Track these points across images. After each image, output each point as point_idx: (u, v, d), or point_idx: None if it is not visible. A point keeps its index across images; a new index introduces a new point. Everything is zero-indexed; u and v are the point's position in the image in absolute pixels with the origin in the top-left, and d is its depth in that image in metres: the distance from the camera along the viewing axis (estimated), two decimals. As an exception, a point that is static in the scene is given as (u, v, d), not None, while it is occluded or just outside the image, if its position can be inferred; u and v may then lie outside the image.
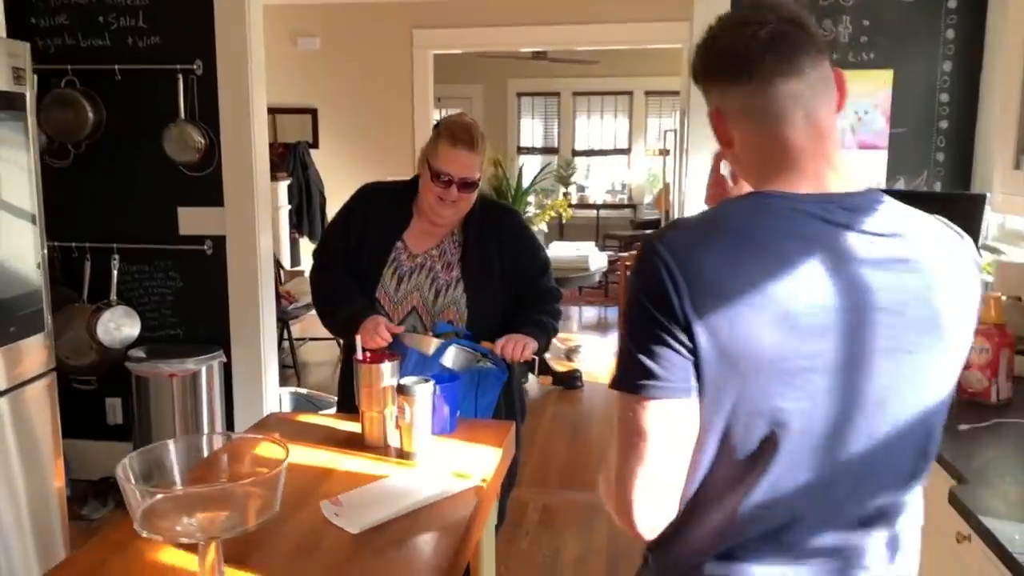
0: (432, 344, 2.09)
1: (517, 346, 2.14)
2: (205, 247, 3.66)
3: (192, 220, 3.66)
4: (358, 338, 1.98)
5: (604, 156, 10.85)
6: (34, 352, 2.51)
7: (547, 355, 5.59)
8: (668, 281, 0.94)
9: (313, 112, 7.25)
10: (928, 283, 1.00)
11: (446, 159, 2.14)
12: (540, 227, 5.34)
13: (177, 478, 1.23)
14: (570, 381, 5.35)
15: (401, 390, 1.79)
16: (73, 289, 3.72)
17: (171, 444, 1.23)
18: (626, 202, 10.74)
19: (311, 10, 6.96)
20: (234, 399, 3.73)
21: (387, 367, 1.85)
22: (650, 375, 0.95)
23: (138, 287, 3.74)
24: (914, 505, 1.11)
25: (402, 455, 1.81)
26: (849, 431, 0.99)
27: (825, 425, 0.98)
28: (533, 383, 5.41)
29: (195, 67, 3.52)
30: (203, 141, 3.57)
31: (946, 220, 1.08)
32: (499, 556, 2.13)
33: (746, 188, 1.15)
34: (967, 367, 2.10)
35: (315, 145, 7.12)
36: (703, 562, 1.03)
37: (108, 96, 3.59)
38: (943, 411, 1.07)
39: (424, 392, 1.79)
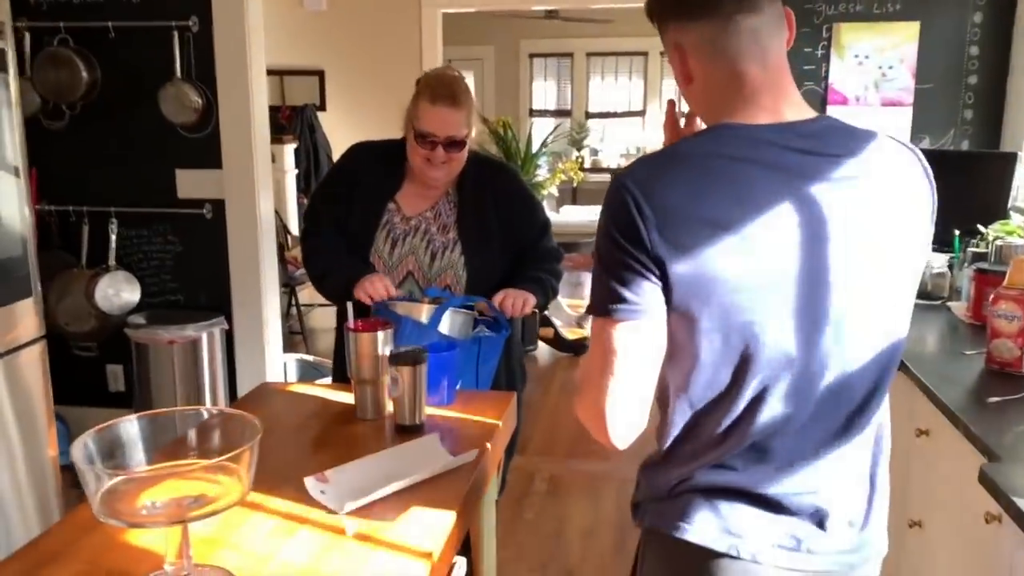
0: (426, 310, 2.00)
1: (517, 300, 2.06)
2: (204, 211, 3.56)
3: (190, 183, 3.56)
4: (349, 305, 1.88)
5: (619, 118, 10.64)
6: (24, 318, 2.44)
7: (558, 323, 5.50)
8: (635, 212, 1.02)
9: (320, 74, 7.09)
10: (877, 195, 1.09)
11: (428, 118, 2.02)
12: (551, 191, 5.21)
13: (143, 457, 1.14)
14: (580, 348, 5.26)
15: (394, 360, 1.69)
16: (71, 254, 3.64)
17: (135, 420, 1.14)
18: (641, 166, 10.55)
19: (317, -31, 6.78)
20: (236, 366, 3.65)
21: (379, 336, 1.75)
22: (621, 299, 1.03)
23: (137, 252, 3.66)
24: (885, 434, 1.19)
25: (396, 428, 1.72)
26: (817, 343, 1.06)
27: (795, 338, 1.05)
28: (543, 350, 5.32)
29: (191, 23, 3.40)
30: (200, 101, 3.45)
31: (896, 137, 1.16)
32: (504, 527, 2.06)
33: (701, 127, 1.22)
34: (995, 335, 1.99)
35: (322, 107, 6.98)
36: (692, 474, 1.11)
37: (102, 55, 3.48)
38: (905, 320, 1.16)
39: (418, 362, 1.69)
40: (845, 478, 1.13)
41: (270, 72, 7.00)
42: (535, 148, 6.34)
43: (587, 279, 7.75)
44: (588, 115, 10.64)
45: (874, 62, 3.13)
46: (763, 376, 1.05)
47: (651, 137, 10.45)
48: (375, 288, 1.99)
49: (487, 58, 10.42)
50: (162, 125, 3.47)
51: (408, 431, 1.69)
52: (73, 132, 3.58)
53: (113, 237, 3.59)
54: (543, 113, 10.73)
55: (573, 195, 10.08)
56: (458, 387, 2.04)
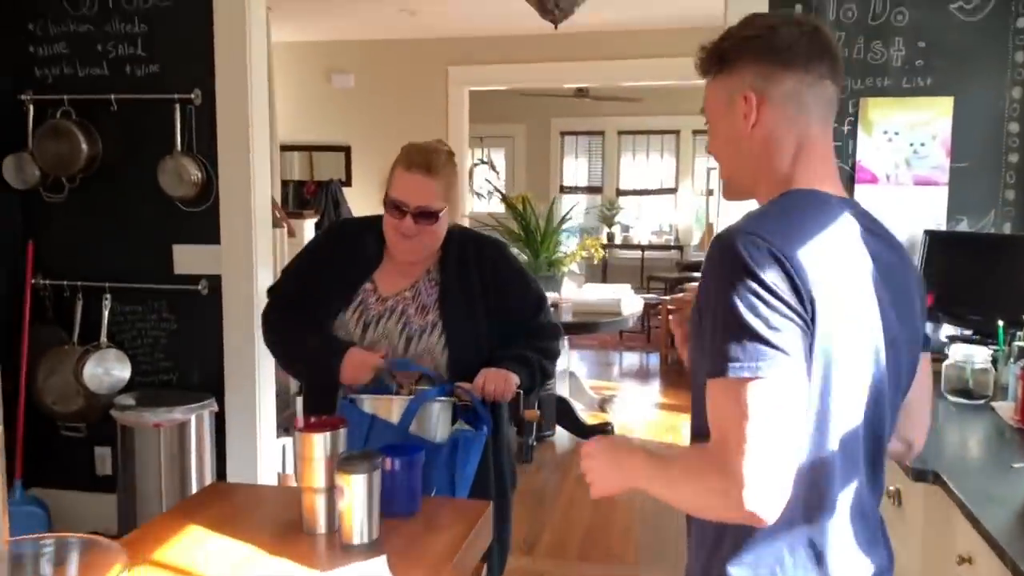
0: (397, 405, 1.79)
1: (497, 383, 1.85)
2: (200, 287, 3.43)
3: (187, 258, 3.44)
4: (298, 400, 1.69)
5: (650, 196, 10.52)
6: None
7: (579, 406, 5.24)
8: (779, 258, 1.02)
9: (347, 150, 7.10)
10: (909, 270, 1.23)
11: (399, 185, 1.89)
12: (571, 268, 5.03)
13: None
14: (601, 435, 4.98)
15: (341, 466, 1.48)
16: (64, 329, 3.52)
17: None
18: (672, 243, 10.37)
19: (346, 47, 6.85)
20: (227, 451, 3.45)
21: (325, 437, 1.54)
22: (767, 353, 1.00)
23: (131, 329, 3.52)
24: None
25: (342, 547, 1.50)
26: (883, 408, 1.15)
27: (871, 388, 1.12)
28: (562, 436, 5.06)
29: (193, 96, 3.32)
30: (200, 175, 3.35)
31: None
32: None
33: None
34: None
35: (348, 183, 6.96)
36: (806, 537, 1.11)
37: (103, 127, 3.41)
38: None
39: (367, 470, 1.47)
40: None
41: (298, 148, 7.08)
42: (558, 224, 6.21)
43: (614, 359, 7.50)
44: (619, 192, 10.53)
45: (905, 139, 2.93)
46: (847, 418, 1.10)
47: (683, 215, 10.29)
48: (358, 372, 1.82)
49: (518, 135, 10.42)
50: (161, 199, 3.37)
51: (352, 550, 1.47)
52: (71, 205, 3.49)
53: (105, 313, 3.46)
54: (574, 190, 10.65)
55: (604, 272, 9.90)
56: (432, 493, 1.82)
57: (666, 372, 7.02)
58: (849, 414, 1.10)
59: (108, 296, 3.47)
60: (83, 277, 3.49)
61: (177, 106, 3.33)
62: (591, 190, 10.73)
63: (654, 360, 7.42)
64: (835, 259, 1.08)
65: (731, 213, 3.25)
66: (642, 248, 10.18)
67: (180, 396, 3.40)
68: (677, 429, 5.26)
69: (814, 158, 1.17)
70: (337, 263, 2.01)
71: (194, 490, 3.33)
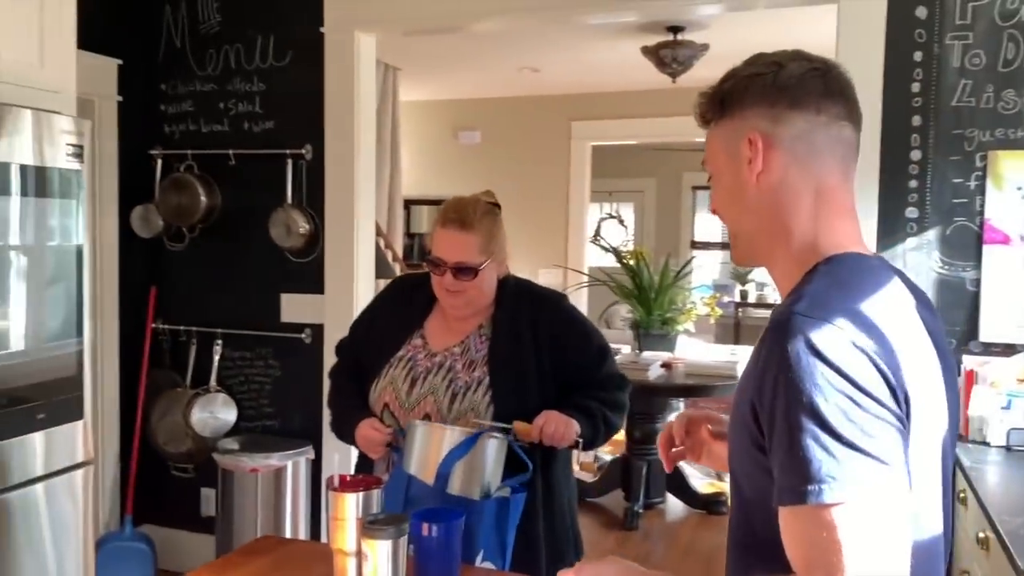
0: (449, 436, 1.72)
1: (558, 424, 1.77)
2: (304, 335, 3.51)
3: (294, 307, 3.54)
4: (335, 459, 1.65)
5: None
6: (70, 442, 2.38)
7: (692, 474, 4.99)
8: (862, 349, 0.88)
9: (472, 204, 7.22)
10: (945, 337, 1.08)
11: (436, 241, 1.88)
12: (686, 327, 4.84)
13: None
14: (714, 505, 4.72)
15: (366, 529, 1.43)
16: (179, 373, 3.68)
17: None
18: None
19: (472, 104, 7.01)
20: (320, 499, 3.48)
21: (357, 497, 1.49)
22: (873, 462, 0.85)
23: (239, 374, 3.64)
24: None
25: (366, 613, 1.43)
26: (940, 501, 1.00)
27: (943, 490, 0.99)
28: (673, 504, 4.82)
29: (304, 152, 3.45)
30: (308, 227, 3.46)
31: None
32: None
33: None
34: None
35: (471, 236, 7.05)
36: None
37: (222, 180, 3.59)
38: None
39: (393, 536, 1.41)
40: None
41: (425, 202, 7.26)
42: (691, 283, 6.02)
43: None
44: (755, 249, 10.18)
45: (1044, 196, 2.64)
46: (939, 542, 0.99)
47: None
48: (367, 447, 1.82)
49: (648, 190, 10.30)
50: (271, 249, 3.49)
51: (375, 621, 1.40)
52: (190, 254, 3.68)
53: (216, 358, 3.60)
54: (707, 246, 10.38)
55: (735, 332, 9.54)
56: (479, 558, 1.74)
57: (795, 440, 6.61)
58: (933, 526, 0.96)
59: (219, 342, 3.61)
60: (198, 323, 3.65)
61: (289, 161, 3.46)
62: (724, 246, 10.43)
63: (783, 426, 7.01)
64: (911, 341, 0.94)
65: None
66: (772, 306, 9.76)
67: (279, 442, 3.47)
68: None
69: (836, 212, 1.03)
70: (390, 318, 2.00)
71: (288, 534, 3.37)
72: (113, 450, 3.68)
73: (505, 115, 6.91)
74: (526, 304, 1.95)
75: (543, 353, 1.89)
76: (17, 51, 2.37)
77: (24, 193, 2.24)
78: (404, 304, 2.01)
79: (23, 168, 2.22)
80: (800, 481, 0.85)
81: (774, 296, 9.90)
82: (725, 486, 5.14)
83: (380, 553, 1.41)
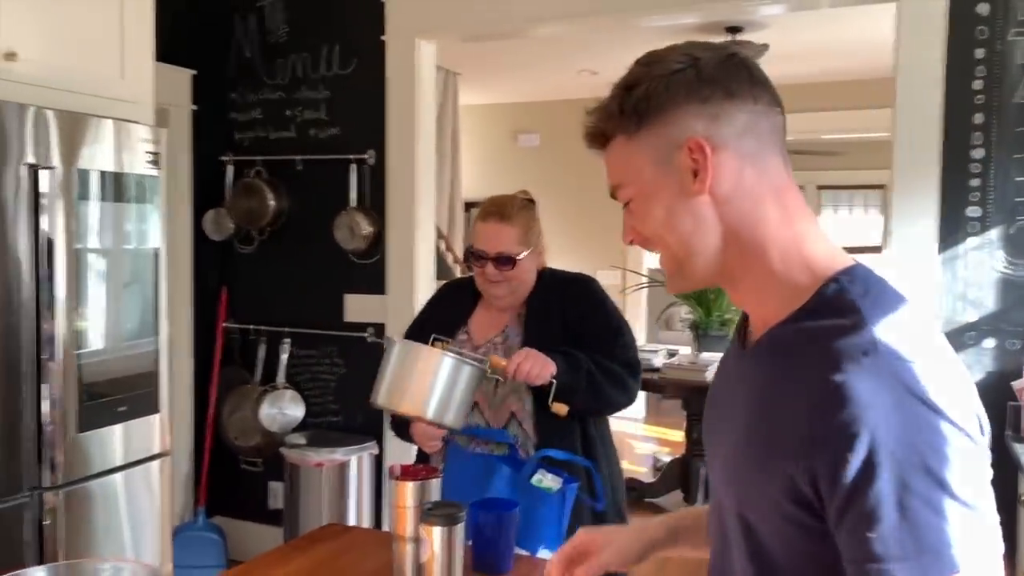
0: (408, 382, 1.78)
1: (535, 362, 1.80)
2: (367, 334, 3.62)
3: (357, 307, 3.65)
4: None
5: (853, 254, 9.90)
6: (148, 434, 2.51)
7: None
8: (967, 389, 0.78)
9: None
10: None
11: (477, 235, 1.99)
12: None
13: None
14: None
15: (424, 516, 1.50)
16: (248, 371, 3.82)
17: (43, 572, 1.03)
18: (877, 305, 9.69)
19: (531, 108, 7.07)
20: (383, 492, 3.58)
21: (416, 486, 1.56)
22: (988, 521, 0.74)
23: (306, 372, 3.77)
24: None
25: (423, 598, 1.50)
26: None
27: None
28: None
29: (367, 157, 3.56)
30: (371, 230, 3.56)
31: None
32: None
33: None
34: None
35: (531, 238, 7.11)
36: None
37: (289, 185, 3.72)
38: None
39: (448, 523, 1.48)
40: None
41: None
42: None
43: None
44: (819, 250, 10.02)
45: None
46: None
47: (889, 275, 9.59)
48: (424, 443, 1.90)
49: (710, 191, 10.23)
50: (335, 251, 3.61)
51: (432, 603, 1.47)
52: (259, 256, 3.82)
53: (284, 357, 3.73)
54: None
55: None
56: (539, 549, 1.80)
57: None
58: None
59: (287, 340, 3.74)
60: (266, 322, 3.79)
61: (353, 166, 3.57)
62: (788, 247, 10.31)
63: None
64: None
65: (928, 269, 2.95)
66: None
67: (344, 438, 3.58)
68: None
69: (803, 214, 0.90)
70: (438, 319, 2.09)
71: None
72: (186, 444, 3.84)
73: (564, 118, 6.91)
74: (557, 288, 2.04)
75: (568, 330, 1.97)
76: (101, 64, 2.51)
77: (105, 199, 2.37)
78: (450, 304, 2.13)
79: (104, 175, 2.36)
80: (918, 552, 0.72)
81: (840, 298, 9.73)
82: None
83: (437, 539, 1.48)
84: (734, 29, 4.49)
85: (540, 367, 1.81)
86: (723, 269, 0.90)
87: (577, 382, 1.88)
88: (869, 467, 0.73)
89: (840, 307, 0.82)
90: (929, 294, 2.79)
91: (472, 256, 1.99)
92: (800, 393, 0.79)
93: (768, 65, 4.44)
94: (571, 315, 2.00)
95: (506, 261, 1.95)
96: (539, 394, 1.89)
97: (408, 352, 1.82)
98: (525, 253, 1.97)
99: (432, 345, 1.86)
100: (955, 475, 0.72)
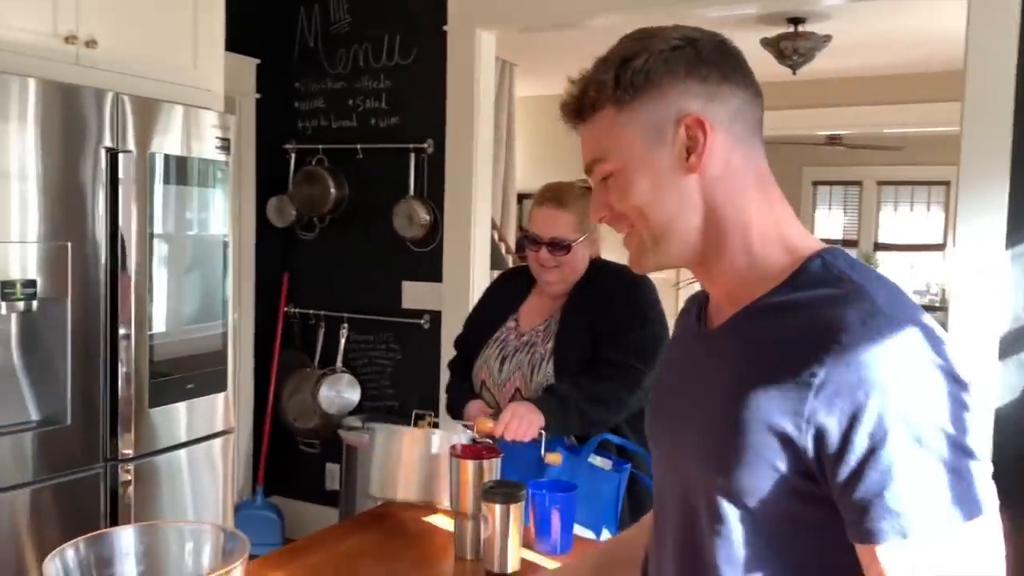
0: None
1: (520, 424, 1.76)
2: (423, 321, 3.67)
3: (414, 294, 3.70)
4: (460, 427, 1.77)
5: (913, 252, 9.70)
6: (215, 411, 2.59)
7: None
8: (958, 348, 0.80)
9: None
10: None
11: (533, 220, 2.02)
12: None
13: (133, 572, 1.08)
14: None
15: (484, 494, 1.53)
16: (307, 354, 3.91)
17: (131, 531, 1.09)
18: (938, 304, 9.46)
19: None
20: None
21: (477, 465, 1.60)
22: (988, 471, 0.78)
23: (363, 356, 3.84)
24: None
25: (485, 573, 1.54)
26: None
27: None
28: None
29: (426, 146, 3.60)
30: (428, 218, 3.61)
31: None
32: None
33: None
34: None
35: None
36: None
37: (349, 173, 3.79)
38: None
39: (506, 500, 1.51)
40: None
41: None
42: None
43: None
44: (877, 247, 9.82)
45: None
46: None
47: (951, 274, 9.38)
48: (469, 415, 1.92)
49: (766, 185, 10.10)
50: (394, 239, 3.66)
51: (492, 579, 1.51)
52: (320, 242, 3.90)
53: (342, 341, 3.81)
54: (828, 243, 10.10)
55: (855, 332, 9.25)
56: (601, 531, 1.83)
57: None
58: None
59: (345, 325, 3.81)
60: (326, 307, 3.87)
61: (412, 154, 3.62)
62: (847, 243, 10.11)
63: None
64: None
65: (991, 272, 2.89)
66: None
67: (400, 421, 3.63)
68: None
69: (782, 200, 0.93)
70: (491, 306, 2.15)
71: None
72: (247, 425, 3.95)
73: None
74: (596, 276, 2.04)
75: (600, 318, 1.98)
76: (174, 54, 2.60)
77: (176, 183, 2.45)
78: (503, 293, 2.17)
79: (176, 159, 2.44)
80: (936, 507, 0.74)
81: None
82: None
83: (498, 516, 1.51)
84: (796, 20, 4.43)
85: (527, 425, 1.77)
86: (699, 248, 0.91)
87: (568, 426, 1.85)
88: (881, 429, 0.75)
89: (831, 278, 0.84)
90: (996, 292, 2.73)
91: (527, 240, 2.01)
92: (800, 359, 0.79)
93: (830, 57, 4.38)
94: (603, 306, 1.97)
95: (560, 246, 1.96)
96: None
97: (390, 439, 1.80)
98: (579, 240, 1.98)
99: (415, 424, 1.90)
100: (967, 430, 0.76)
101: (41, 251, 2.10)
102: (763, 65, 5.00)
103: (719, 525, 0.86)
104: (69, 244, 2.15)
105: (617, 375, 1.89)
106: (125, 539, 1.07)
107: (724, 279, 0.92)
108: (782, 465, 0.81)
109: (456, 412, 2.06)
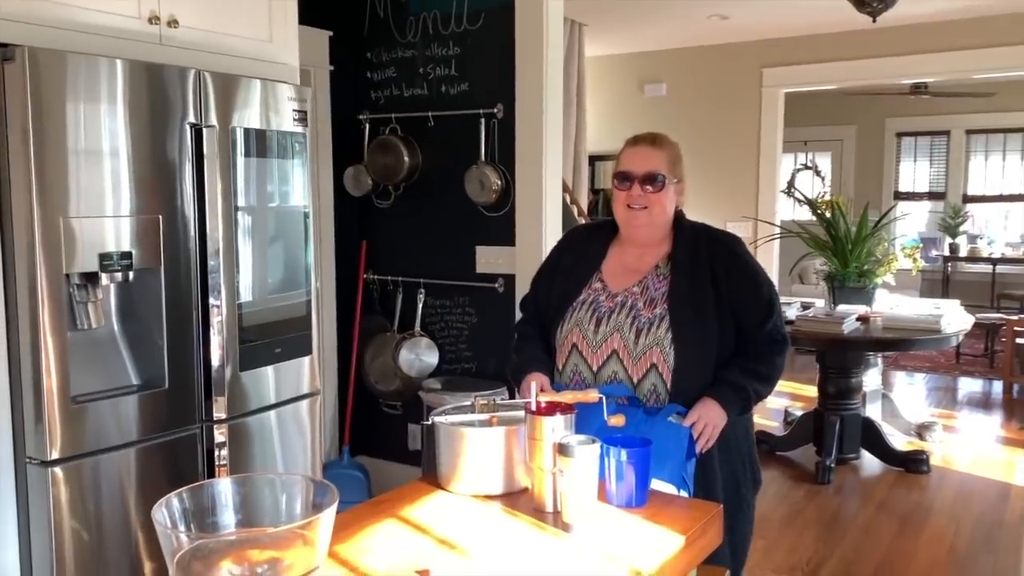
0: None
1: (707, 430, 1.91)
2: (497, 285, 3.72)
3: (487, 259, 3.75)
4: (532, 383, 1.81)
5: (1005, 203, 9.30)
6: (302, 374, 2.70)
7: (890, 431, 4.84)
8: None
9: (659, 157, 7.20)
10: None
11: (626, 158, 2.02)
12: (885, 279, 4.64)
13: (233, 520, 1.16)
14: (913, 463, 4.54)
15: (561, 449, 1.57)
16: (387, 319, 4.01)
17: (229, 482, 1.16)
18: (1034, 256, 9.08)
19: (658, 56, 6.96)
20: (515, 438, 3.71)
21: (552, 421, 1.64)
22: None
23: (439, 320, 3.92)
24: None
25: (560, 524, 1.59)
26: None
27: None
28: (868, 460, 4.69)
29: (496, 111, 3.62)
30: (500, 183, 3.64)
31: None
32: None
33: None
34: None
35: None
36: None
37: (422, 141, 3.84)
38: None
39: (584, 455, 1.55)
40: None
41: (609, 158, 7.31)
42: (892, 234, 5.74)
43: (948, 383, 6.74)
44: (966, 199, 9.44)
45: None
46: None
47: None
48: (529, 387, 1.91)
49: (848, 138, 9.80)
50: (467, 204, 3.71)
51: (569, 530, 1.55)
52: (395, 210, 3.98)
53: (420, 306, 3.89)
54: (912, 196, 9.76)
55: (944, 287, 8.97)
56: (681, 486, 1.87)
57: (1009, 402, 6.18)
58: None
59: (422, 291, 3.90)
60: (403, 273, 3.96)
61: (482, 120, 3.65)
62: (932, 196, 9.75)
63: (996, 388, 6.56)
64: None
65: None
66: (993, 261, 9.04)
67: (477, 383, 3.71)
68: (1013, 467, 4.63)
69: None
70: (568, 267, 2.12)
71: (485, 471, 3.62)
72: (332, 388, 4.09)
73: (692, 65, 6.81)
74: (704, 243, 2.04)
75: (721, 290, 1.98)
76: (251, 29, 2.67)
77: (257, 155, 2.54)
78: (580, 252, 2.13)
79: (256, 132, 2.52)
80: None
81: (990, 250, 9.18)
82: (926, 444, 4.93)
83: (573, 470, 1.55)
84: (875, -36, 4.27)
85: (715, 430, 1.92)
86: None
87: (745, 409, 2.00)
88: None
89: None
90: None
91: (616, 179, 2.02)
92: None
93: (912, 1, 4.20)
94: (720, 275, 2.00)
95: (653, 180, 1.97)
96: (683, 346, 1.94)
97: (452, 439, 1.84)
98: (671, 181, 2.00)
99: (475, 405, 1.92)
100: None
101: (134, 224, 2.21)
102: (841, 13, 4.84)
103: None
104: (160, 217, 2.26)
105: (775, 347, 2.02)
106: (224, 489, 1.15)
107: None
108: None
109: (519, 380, 2.09)
